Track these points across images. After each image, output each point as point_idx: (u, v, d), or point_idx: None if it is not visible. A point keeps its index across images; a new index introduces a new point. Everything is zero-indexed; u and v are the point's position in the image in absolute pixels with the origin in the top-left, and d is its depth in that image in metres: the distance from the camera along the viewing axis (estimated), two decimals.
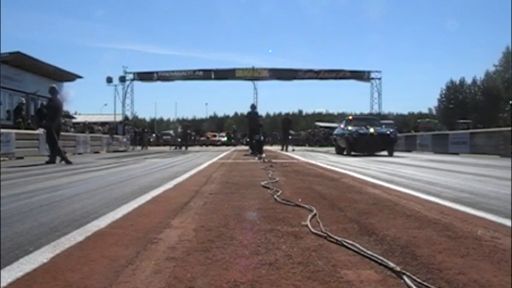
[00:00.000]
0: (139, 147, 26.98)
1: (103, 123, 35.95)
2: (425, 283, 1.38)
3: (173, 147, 25.19)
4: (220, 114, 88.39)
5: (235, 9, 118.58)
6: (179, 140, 25.56)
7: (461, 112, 46.89)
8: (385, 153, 13.46)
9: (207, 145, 35.66)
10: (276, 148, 19.82)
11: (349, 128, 13.64)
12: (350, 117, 15.48)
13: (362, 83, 34.09)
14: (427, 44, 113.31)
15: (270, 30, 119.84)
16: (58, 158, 8.78)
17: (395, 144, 14.19)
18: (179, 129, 28.06)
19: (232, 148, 26.17)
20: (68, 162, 8.63)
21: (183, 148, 24.07)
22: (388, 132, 13.57)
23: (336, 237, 1.98)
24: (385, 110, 48.08)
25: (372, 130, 13.27)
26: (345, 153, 13.82)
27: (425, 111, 66.75)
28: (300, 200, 3.19)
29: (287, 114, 23.58)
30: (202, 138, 39.67)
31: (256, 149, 13.39)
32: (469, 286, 1.39)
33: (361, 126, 13.66)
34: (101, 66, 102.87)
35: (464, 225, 2.33)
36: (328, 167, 7.66)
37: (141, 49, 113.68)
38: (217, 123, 72.75)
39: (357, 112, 69.91)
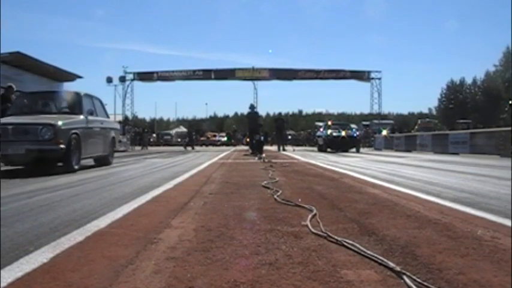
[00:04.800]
0: (139, 147, 27.00)
1: None
2: (425, 283, 1.38)
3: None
4: (220, 114, 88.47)
5: (235, 9, 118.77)
6: (186, 140, 26.05)
7: (461, 112, 46.81)
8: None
9: (207, 145, 35.66)
10: (276, 148, 19.84)
11: (328, 131, 17.93)
12: (329, 123, 19.64)
13: (362, 83, 34.05)
14: (427, 43, 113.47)
15: (270, 30, 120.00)
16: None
17: (360, 144, 19.14)
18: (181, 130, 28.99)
19: (232, 148, 26.16)
20: None
21: (189, 148, 24.54)
22: (355, 134, 18.25)
23: (336, 237, 1.98)
24: (385, 110, 48.16)
25: (343, 133, 17.43)
26: (328, 149, 17.47)
27: (425, 111, 66.75)
28: (300, 200, 3.18)
29: (279, 114, 23.76)
30: (202, 138, 39.68)
31: (256, 149, 13.38)
32: (469, 286, 1.39)
33: (336, 129, 17.95)
34: (101, 66, 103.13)
35: (464, 225, 2.33)
36: (328, 167, 7.66)
37: (141, 49, 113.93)
38: (217, 123, 72.74)
39: (357, 112, 70.22)
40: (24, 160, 6.27)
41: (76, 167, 6.55)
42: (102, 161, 8.03)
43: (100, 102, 8.36)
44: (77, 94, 7.52)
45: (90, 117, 7.25)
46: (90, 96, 7.81)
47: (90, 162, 7.87)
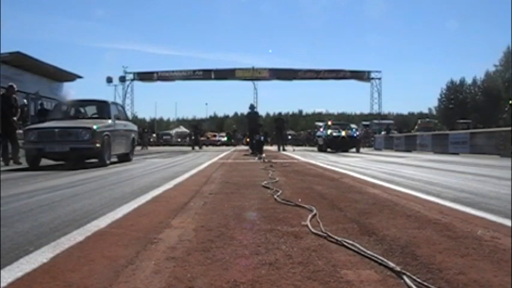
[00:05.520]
0: (138, 147, 27.02)
1: None
2: (425, 283, 1.38)
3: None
4: (220, 114, 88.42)
5: (235, 9, 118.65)
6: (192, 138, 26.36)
7: (461, 112, 46.77)
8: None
9: (207, 145, 35.67)
10: (276, 148, 19.85)
11: (328, 131, 17.90)
12: (329, 123, 19.64)
13: (362, 83, 34.19)
14: (427, 44, 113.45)
15: (270, 30, 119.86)
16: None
17: (360, 144, 19.05)
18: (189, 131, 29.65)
19: (232, 148, 26.18)
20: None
21: (196, 148, 24.82)
22: (355, 134, 18.21)
23: (336, 237, 1.98)
24: (385, 110, 48.16)
25: (343, 133, 17.41)
26: (328, 150, 17.50)
27: (425, 111, 66.67)
28: (300, 200, 3.19)
29: (279, 114, 23.86)
30: (202, 138, 39.71)
31: (256, 149, 13.39)
32: (469, 286, 1.39)
33: (336, 129, 17.93)
34: (101, 66, 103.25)
35: (464, 225, 2.33)
36: (328, 167, 7.66)
37: (141, 49, 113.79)
38: (217, 123, 72.72)
39: (357, 112, 70.22)
40: (68, 156, 7.80)
41: (108, 162, 7.99)
42: (124, 158, 9.45)
43: (122, 108, 10.40)
44: (106, 102, 9.20)
45: (116, 121, 8.81)
46: (115, 104, 9.81)
47: (114, 158, 8.90)
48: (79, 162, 7.94)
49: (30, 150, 7.67)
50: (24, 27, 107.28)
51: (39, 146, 7.53)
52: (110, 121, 8.48)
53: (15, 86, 8.98)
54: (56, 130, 7.66)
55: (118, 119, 9.03)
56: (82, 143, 7.54)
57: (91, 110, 9.49)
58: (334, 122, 21.96)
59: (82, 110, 9.38)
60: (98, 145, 7.59)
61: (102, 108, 9.00)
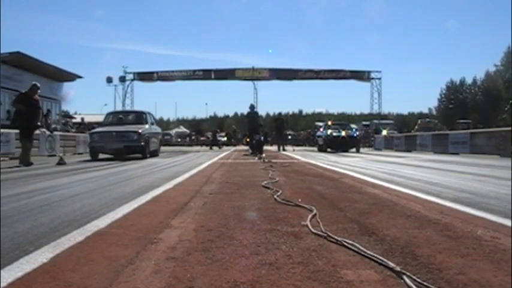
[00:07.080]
0: None
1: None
2: (425, 283, 1.38)
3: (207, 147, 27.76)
4: (220, 114, 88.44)
5: (235, 9, 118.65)
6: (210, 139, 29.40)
7: (461, 112, 46.76)
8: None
9: (207, 145, 35.64)
10: (276, 148, 19.85)
11: (328, 131, 18.00)
12: (329, 123, 19.66)
13: (362, 83, 34.18)
14: (427, 44, 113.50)
15: (270, 30, 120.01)
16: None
17: (360, 144, 19.09)
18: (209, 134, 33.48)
19: (232, 148, 26.17)
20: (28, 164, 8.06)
21: (215, 148, 26.35)
22: (355, 134, 18.18)
23: (336, 237, 1.98)
24: (385, 110, 48.16)
25: (343, 133, 17.50)
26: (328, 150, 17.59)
27: (425, 111, 66.56)
28: (300, 200, 3.18)
29: (279, 114, 23.85)
30: (202, 138, 39.66)
31: (256, 149, 13.38)
32: (469, 286, 1.39)
33: (336, 129, 18.02)
34: (101, 66, 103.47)
35: (464, 225, 2.33)
36: (328, 167, 7.66)
37: (141, 49, 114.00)
38: (217, 123, 72.68)
39: (357, 112, 70.22)
40: (122, 152, 10.91)
41: (148, 156, 11.21)
42: (154, 153, 12.19)
43: (152, 115, 13.50)
44: (143, 112, 12.89)
45: (151, 126, 12.26)
46: (149, 113, 13.05)
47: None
48: (127, 155, 10.86)
49: (94, 147, 10.94)
50: (24, 27, 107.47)
51: (101, 144, 10.78)
52: (147, 126, 11.75)
53: (38, 84, 8.62)
54: (114, 133, 10.93)
55: (152, 124, 12.50)
56: (132, 142, 10.78)
57: (130, 117, 12.66)
58: (334, 122, 21.95)
59: (123, 118, 12.46)
60: (142, 143, 10.84)
61: (141, 117, 12.43)
